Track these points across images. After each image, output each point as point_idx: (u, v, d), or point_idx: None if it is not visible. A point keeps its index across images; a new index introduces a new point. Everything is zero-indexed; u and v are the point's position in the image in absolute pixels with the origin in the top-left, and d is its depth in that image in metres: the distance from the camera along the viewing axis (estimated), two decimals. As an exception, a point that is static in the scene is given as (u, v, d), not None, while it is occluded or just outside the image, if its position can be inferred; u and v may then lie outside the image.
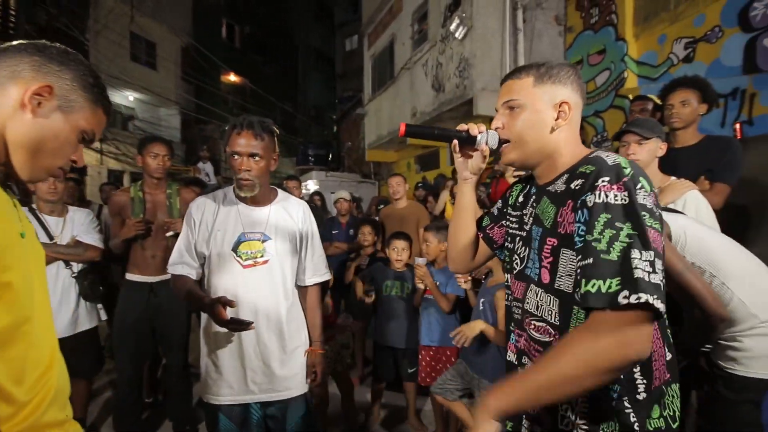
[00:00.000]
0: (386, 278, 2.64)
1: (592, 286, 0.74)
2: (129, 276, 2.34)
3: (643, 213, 0.76)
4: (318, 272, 1.65)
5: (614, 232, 0.75)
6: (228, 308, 1.30)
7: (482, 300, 2.07)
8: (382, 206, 4.61)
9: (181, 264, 1.51)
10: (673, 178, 1.77)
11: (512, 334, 1.04)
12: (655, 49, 4.76)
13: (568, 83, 0.93)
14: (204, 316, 1.51)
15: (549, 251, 0.89)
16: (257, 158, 1.42)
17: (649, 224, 0.76)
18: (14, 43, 0.72)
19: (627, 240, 0.74)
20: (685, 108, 2.10)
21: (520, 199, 1.07)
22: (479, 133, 1.00)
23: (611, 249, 0.74)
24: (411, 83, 7.94)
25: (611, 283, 0.72)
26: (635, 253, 0.73)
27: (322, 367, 1.61)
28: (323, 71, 21.13)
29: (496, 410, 0.76)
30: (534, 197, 1.00)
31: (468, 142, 1.02)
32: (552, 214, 0.90)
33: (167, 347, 2.45)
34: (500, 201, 1.16)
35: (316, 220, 1.70)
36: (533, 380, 0.75)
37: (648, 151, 1.72)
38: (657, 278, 0.72)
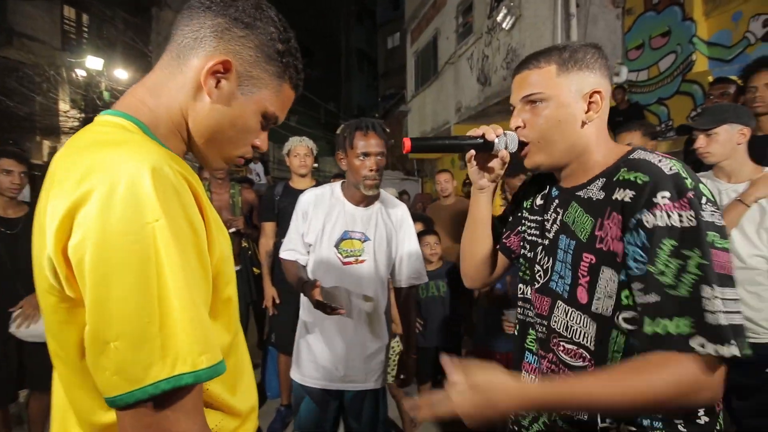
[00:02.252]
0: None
1: (661, 328, 0.64)
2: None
3: (713, 234, 0.66)
4: (413, 275, 1.66)
5: (682, 262, 0.64)
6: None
7: None
8: (421, 204, 4.54)
9: (291, 250, 1.63)
10: (767, 169, 1.57)
11: (529, 353, 0.92)
12: (729, 28, 4.33)
13: (596, 68, 0.79)
14: (303, 304, 1.62)
15: (587, 269, 0.77)
16: (380, 157, 1.49)
17: (719, 246, 0.65)
18: None
19: (698, 272, 0.64)
20: (771, 90, 1.89)
21: (539, 201, 0.94)
22: (497, 136, 0.85)
23: (680, 283, 0.64)
24: (455, 78, 7.80)
25: (680, 323, 0.63)
26: (706, 291, 0.63)
27: (412, 369, 1.67)
28: (366, 70, 21.35)
29: (528, 398, 0.67)
30: (558, 201, 0.87)
31: (484, 149, 0.87)
32: (588, 227, 0.78)
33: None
34: (513, 204, 1.04)
35: None
36: (589, 390, 0.66)
37: (720, 142, 1.54)
38: (734, 317, 0.63)
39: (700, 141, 1.58)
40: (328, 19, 20.04)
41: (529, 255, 0.93)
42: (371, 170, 1.46)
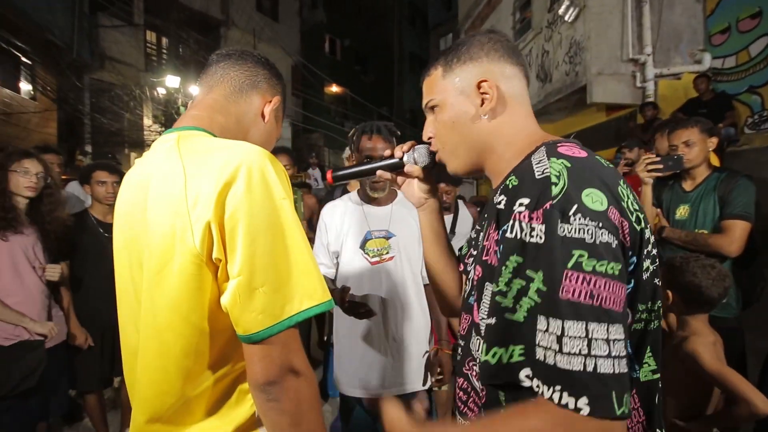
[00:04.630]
0: None
1: (493, 356, 0.55)
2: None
3: (581, 252, 0.52)
4: None
5: (523, 283, 0.54)
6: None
7: None
8: (479, 209, 4.40)
9: (319, 264, 1.66)
10: None
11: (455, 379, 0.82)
12: (841, 1, 3.76)
13: (482, 55, 0.72)
14: (336, 316, 1.62)
15: (476, 283, 0.69)
16: None
17: (588, 269, 0.52)
18: (242, 50, 0.85)
19: (536, 298, 0.53)
20: None
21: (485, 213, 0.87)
22: (404, 153, 0.84)
23: (518, 307, 0.54)
24: (513, 76, 7.54)
25: (513, 350, 0.54)
26: (542, 323, 0.52)
27: (449, 367, 1.63)
28: (418, 73, 21.23)
29: None
30: (486, 212, 0.80)
31: (396, 168, 0.87)
32: (482, 237, 0.71)
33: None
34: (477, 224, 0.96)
35: None
36: None
37: None
38: (591, 362, 0.50)
39: None
40: (381, 25, 20.35)
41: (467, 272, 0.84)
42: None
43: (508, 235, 0.58)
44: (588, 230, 0.53)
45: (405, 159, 0.85)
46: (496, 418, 0.59)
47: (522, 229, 0.56)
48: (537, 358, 0.52)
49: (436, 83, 0.76)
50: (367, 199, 1.61)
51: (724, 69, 4.65)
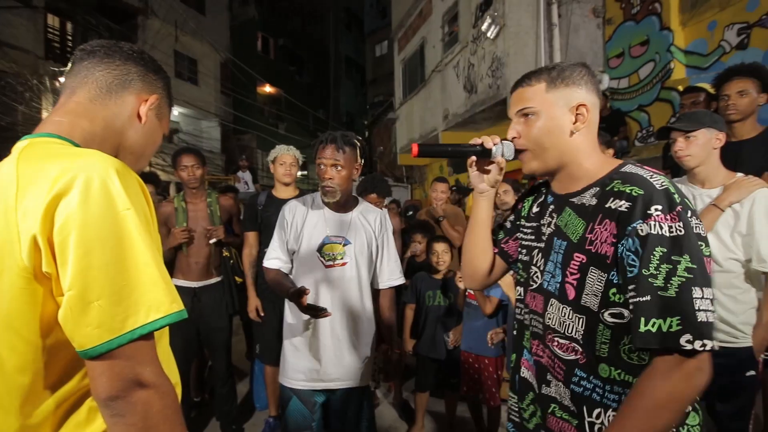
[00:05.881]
0: (429, 288, 2.58)
1: (653, 326, 0.73)
2: (174, 281, 2.44)
3: (700, 243, 0.75)
4: (393, 276, 1.77)
5: (671, 267, 0.73)
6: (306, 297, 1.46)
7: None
8: (411, 213, 4.50)
9: (275, 259, 1.69)
10: (739, 174, 1.59)
11: (526, 351, 0.99)
12: (705, 37, 4.46)
13: (582, 84, 0.89)
14: (287, 309, 1.69)
15: (576, 268, 0.85)
16: (339, 168, 1.59)
17: (706, 254, 0.76)
18: (110, 44, 0.77)
19: (686, 275, 0.73)
20: (743, 98, 1.94)
21: (534, 209, 1.03)
22: (494, 145, 0.97)
23: (669, 285, 0.73)
24: (442, 86, 7.88)
25: (672, 322, 0.72)
26: (697, 292, 0.72)
27: (396, 367, 1.74)
28: (354, 78, 21.43)
29: None
30: (552, 207, 0.96)
31: (483, 156, 0.99)
32: (580, 229, 0.86)
33: (211, 349, 2.55)
34: (512, 214, 1.13)
35: None
36: None
37: (699, 145, 1.57)
38: (712, 315, 0.73)
39: (680, 143, 1.60)
40: (317, 27, 20.13)
41: (525, 258, 1.02)
42: (325, 179, 1.59)
43: (650, 232, 0.75)
44: (699, 227, 0.77)
45: (494, 150, 0.96)
46: (629, 402, 0.76)
47: (662, 228, 0.74)
48: (699, 321, 0.71)
49: (538, 95, 0.90)
50: (329, 204, 1.66)
51: (619, 89, 5.28)
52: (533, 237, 1.00)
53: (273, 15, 17.72)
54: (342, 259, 1.64)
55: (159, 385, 0.62)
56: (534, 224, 1.01)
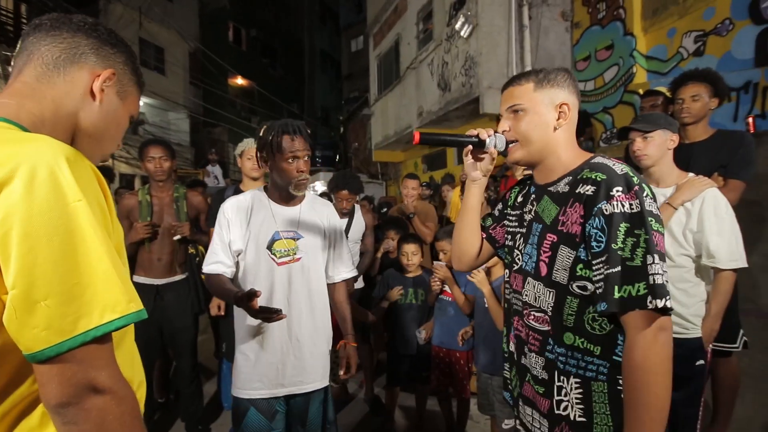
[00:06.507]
0: (400, 285, 2.60)
1: (625, 292, 0.84)
2: (136, 278, 2.36)
3: (650, 219, 0.86)
4: (346, 269, 1.73)
5: (634, 239, 0.84)
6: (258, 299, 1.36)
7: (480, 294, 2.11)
8: (385, 209, 4.50)
9: (216, 263, 1.54)
10: (691, 174, 1.68)
11: (512, 326, 1.12)
12: (665, 44, 4.68)
13: (565, 86, 1.01)
14: (237, 313, 1.56)
15: (548, 246, 0.97)
16: (307, 159, 1.55)
17: (655, 228, 0.86)
18: (58, 17, 0.69)
19: (644, 245, 0.84)
20: (695, 102, 2.05)
21: (519, 199, 1.15)
22: (488, 136, 1.05)
23: (634, 256, 0.84)
24: (417, 83, 7.91)
25: (639, 287, 0.83)
26: (649, 258, 0.83)
27: (356, 359, 1.65)
28: (329, 73, 21.19)
29: None
30: (534, 196, 1.07)
31: (478, 146, 1.08)
32: (553, 213, 0.98)
33: (176, 349, 2.46)
34: (500, 203, 1.24)
35: None
36: (647, 419, 0.83)
37: (655, 145, 1.65)
38: (666, 278, 0.85)
39: (638, 143, 1.67)
40: (291, 19, 19.75)
41: (510, 243, 1.14)
42: (301, 171, 1.52)
43: (614, 210, 0.86)
44: (652, 205, 0.88)
45: (488, 142, 1.05)
46: (631, 386, 0.85)
47: (623, 206, 0.86)
48: (658, 283, 0.83)
49: (526, 93, 1.01)
50: (276, 198, 1.58)
51: (586, 91, 5.47)
52: (517, 224, 1.12)
53: (245, 5, 17.24)
54: (295, 254, 1.55)
55: (116, 390, 0.58)
56: (518, 212, 1.13)
